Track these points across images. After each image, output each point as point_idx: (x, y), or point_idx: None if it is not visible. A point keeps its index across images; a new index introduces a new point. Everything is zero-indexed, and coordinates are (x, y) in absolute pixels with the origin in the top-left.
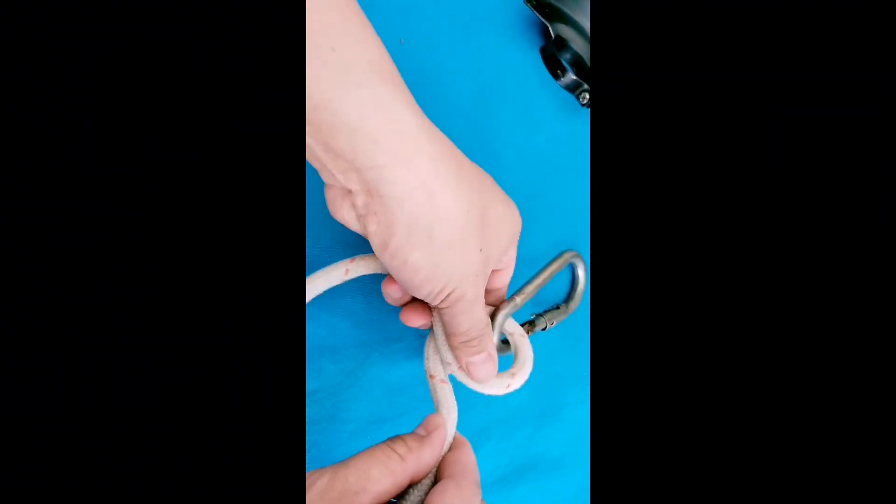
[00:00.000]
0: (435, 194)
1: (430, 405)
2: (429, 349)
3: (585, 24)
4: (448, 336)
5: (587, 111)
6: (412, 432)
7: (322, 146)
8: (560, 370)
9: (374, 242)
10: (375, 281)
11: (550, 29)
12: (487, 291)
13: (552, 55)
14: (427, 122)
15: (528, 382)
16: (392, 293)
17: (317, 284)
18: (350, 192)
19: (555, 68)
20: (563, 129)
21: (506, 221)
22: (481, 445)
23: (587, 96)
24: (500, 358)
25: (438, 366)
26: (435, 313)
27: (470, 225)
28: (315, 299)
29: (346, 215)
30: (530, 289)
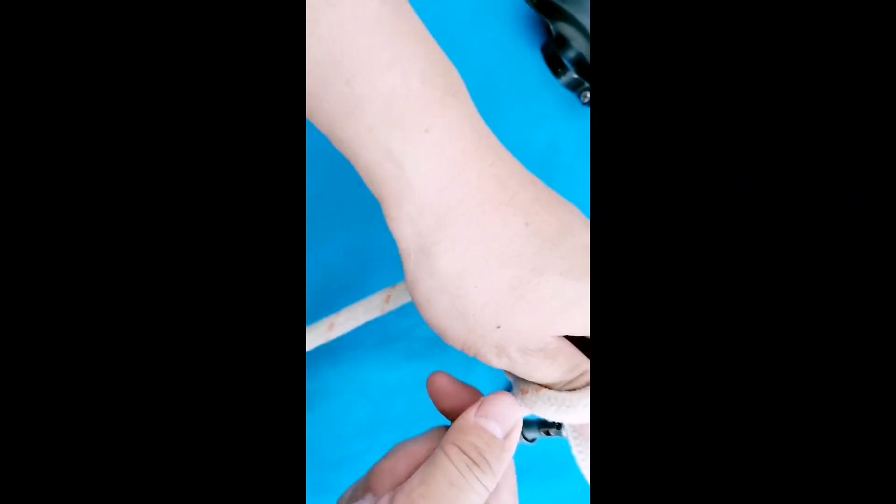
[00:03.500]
0: (434, 260)
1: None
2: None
3: (586, 22)
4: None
5: (588, 109)
6: (484, 429)
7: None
8: None
9: None
10: (375, 280)
11: (551, 27)
12: None
13: (553, 53)
14: (467, 163)
15: None
16: None
17: (356, 314)
18: None
19: (556, 66)
20: (564, 128)
21: (580, 300)
22: None
23: (588, 94)
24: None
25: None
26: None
27: (482, 300)
28: (314, 300)
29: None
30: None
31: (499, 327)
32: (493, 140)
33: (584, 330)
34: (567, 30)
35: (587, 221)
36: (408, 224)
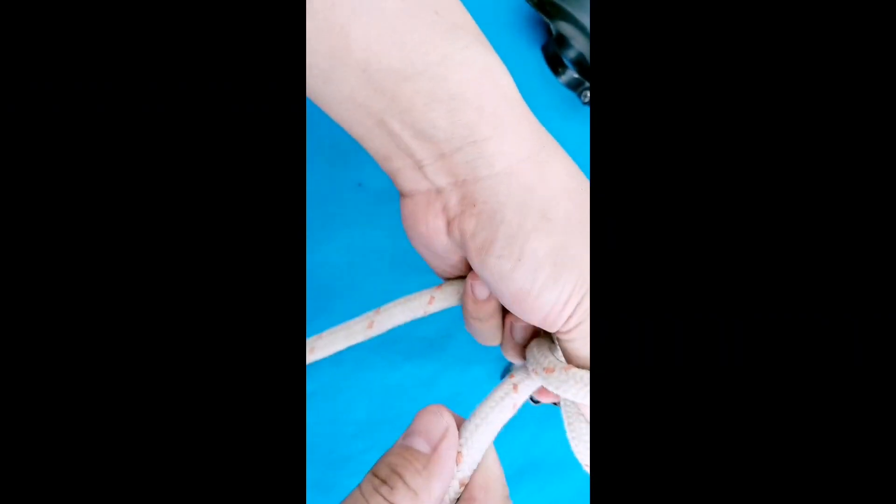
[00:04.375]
0: (545, 166)
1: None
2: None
3: (587, 21)
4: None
5: (588, 109)
6: (407, 446)
7: (412, 130)
8: None
9: (474, 246)
10: (375, 281)
11: (552, 26)
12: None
13: (553, 53)
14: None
15: None
16: (479, 291)
17: (394, 313)
18: (439, 191)
19: (556, 66)
20: (564, 127)
21: None
22: None
23: (588, 94)
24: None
25: (531, 387)
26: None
27: (585, 203)
28: (314, 301)
29: (431, 225)
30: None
31: None
32: None
33: None
34: (567, 29)
35: None
36: (510, 136)
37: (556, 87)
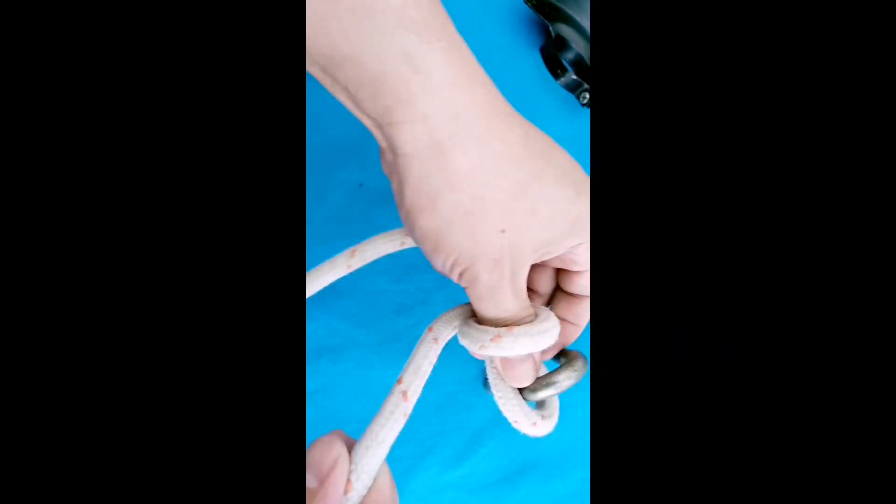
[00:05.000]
0: (448, 156)
1: (428, 406)
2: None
3: (586, 23)
4: (480, 321)
5: (587, 111)
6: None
7: (353, 104)
8: None
9: (396, 201)
10: (375, 281)
11: (551, 28)
12: (568, 296)
13: (552, 55)
14: (472, 75)
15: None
16: None
17: (376, 243)
18: (382, 148)
19: (555, 68)
20: (563, 129)
21: (559, 214)
22: (482, 446)
23: (587, 96)
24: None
25: (447, 328)
26: None
27: (489, 198)
28: (314, 301)
29: (384, 168)
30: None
31: (503, 231)
32: None
33: (559, 240)
34: (566, 31)
35: (562, 148)
36: (420, 123)
37: (554, 88)
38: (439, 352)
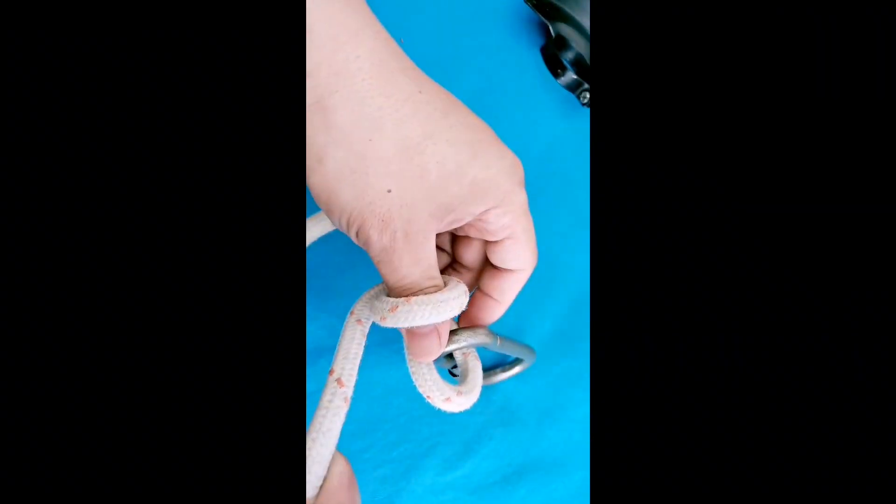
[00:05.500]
0: (329, 113)
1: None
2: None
3: (586, 23)
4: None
5: (588, 110)
6: None
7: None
8: (560, 371)
9: None
10: (375, 281)
11: (551, 28)
12: (493, 270)
13: (552, 54)
14: (361, 31)
15: (528, 383)
16: None
17: (315, 231)
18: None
19: (555, 67)
20: (563, 128)
21: (454, 176)
22: (482, 446)
23: (588, 95)
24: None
25: (366, 308)
26: None
27: (373, 156)
28: (314, 301)
29: None
30: (508, 345)
31: (389, 191)
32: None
33: (460, 206)
34: (566, 30)
35: (467, 108)
36: (316, 78)
37: (555, 88)
38: (366, 333)
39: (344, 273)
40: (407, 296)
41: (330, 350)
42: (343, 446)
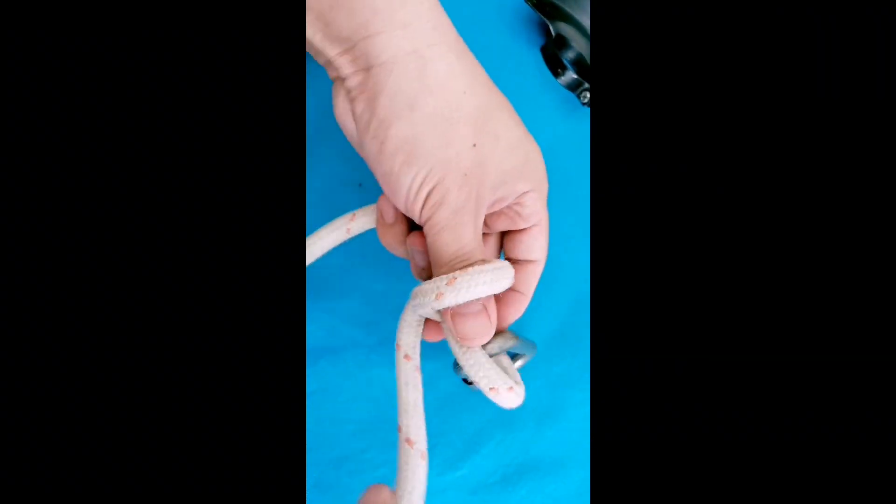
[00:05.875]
0: (428, 62)
1: (428, 407)
2: (406, 311)
3: (586, 22)
4: (434, 269)
5: (588, 110)
6: None
7: (322, 32)
8: (560, 371)
9: (360, 126)
10: (375, 281)
11: (551, 27)
12: (515, 263)
13: (553, 54)
14: (439, 7)
15: (528, 384)
16: (385, 212)
17: (321, 235)
18: (344, 79)
19: (555, 67)
20: (563, 128)
21: (515, 148)
22: (482, 445)
23: (588, 95)
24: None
25: (411, 333)
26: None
27: (465, 109)
28: (314, 301)
29: (341, 110)
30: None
31: (475, 146)
32: None
33: (511, 180)
34: (567, 30)
35: None
36: (399, 30)
37: (555, 88)
38: (419, 367)
39: (344, 273)
40: (463, 267)
41: (330, 350)
42: (343, 446)
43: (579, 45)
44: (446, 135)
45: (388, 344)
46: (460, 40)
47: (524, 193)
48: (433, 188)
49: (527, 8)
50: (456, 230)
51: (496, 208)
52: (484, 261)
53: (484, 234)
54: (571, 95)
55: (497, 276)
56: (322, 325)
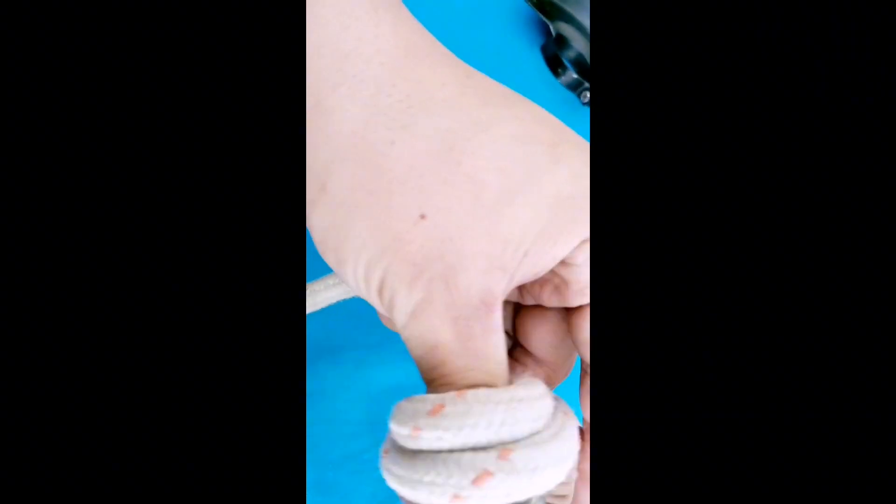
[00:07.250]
0: (329, 116)
1: None
2: None
3: (586, 22)
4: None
5: (588, 110)
6: None
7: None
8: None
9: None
10: None
11: (551, 27)
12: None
13: (553, 53)
14: (380, 8)
15: None
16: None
17: (318, 300)
18: None
19: (556, 66)
20: None
21: (535, 184)
22: None
23: (588, 95)
24: None
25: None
26: None
27: (398, 166)
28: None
29: None
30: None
31: (423, 217)
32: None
33: (539, 241)
34: (567, 30)
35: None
36: (312, 78)
37: (555, 87)
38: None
39: None
40: (459, 389)
41: (330, 350)
42: (343, 446)
43: (579, 45)
44: (374, 215)
45: (387, 344)
46: (406, 49)
47: (575, 249)
48: (379, 287)
49: (527, 8)
50: (422, 338)
51: (526, 280)
52: (507, 381)
53: (537, 307)
54: (571, 95)
55: (514, 410)
56: (321, 326)
